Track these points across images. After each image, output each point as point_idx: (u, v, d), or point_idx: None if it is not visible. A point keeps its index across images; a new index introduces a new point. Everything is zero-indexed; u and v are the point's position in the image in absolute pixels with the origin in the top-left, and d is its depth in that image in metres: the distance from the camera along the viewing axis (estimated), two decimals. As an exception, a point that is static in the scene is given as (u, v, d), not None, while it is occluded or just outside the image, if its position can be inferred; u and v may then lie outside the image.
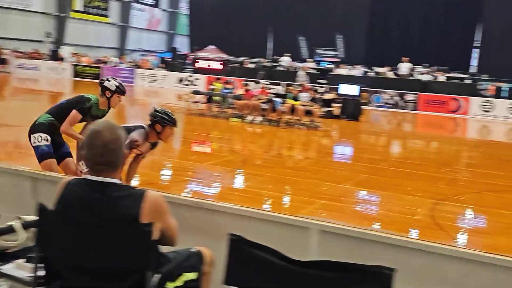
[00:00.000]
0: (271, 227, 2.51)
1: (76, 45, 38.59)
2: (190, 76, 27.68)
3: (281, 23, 37.85)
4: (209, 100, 15.98)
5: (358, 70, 28.03)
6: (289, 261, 1.88)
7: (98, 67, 29.88)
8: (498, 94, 23.44)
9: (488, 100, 22.98)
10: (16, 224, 2.49)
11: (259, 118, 14.46)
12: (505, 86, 25.10)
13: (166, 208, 2.22)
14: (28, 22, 38.15)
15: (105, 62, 31.45)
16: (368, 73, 27.25)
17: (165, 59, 33.68)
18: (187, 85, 27.12)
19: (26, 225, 2.53)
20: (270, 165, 8.83)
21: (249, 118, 14.51)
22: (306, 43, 35.47)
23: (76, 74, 30.34)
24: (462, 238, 5.50)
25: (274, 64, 29.63)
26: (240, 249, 1.86)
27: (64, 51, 33.74)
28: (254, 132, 13.58)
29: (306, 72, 23.16)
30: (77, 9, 41.69)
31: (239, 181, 7.31)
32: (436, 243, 2.18)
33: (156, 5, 50.65)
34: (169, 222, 2.25)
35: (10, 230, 2.48)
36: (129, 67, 30.73)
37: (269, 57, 34.87)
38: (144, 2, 49.03)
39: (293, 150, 11.60)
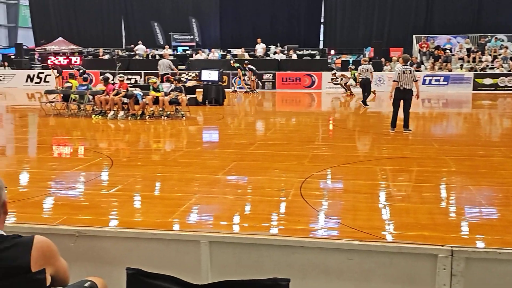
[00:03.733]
0: (159, 245, 2.53)
1: None
2: (40, 73, 25.96)
3: (132, 9, 36.81)
4: (66, 98, 15.16)
5: (216, 54, 28.40)
6: (190, 286, 1.93)
7: None
8: (345, 67, 25.31)
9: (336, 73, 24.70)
10: None
11: (121, 113, 14.09)
12: (349, 58, 27.20)
13: (55, 251, 2.14)
14: None
15: None
16: (226, 56, 27.74)
17: (9, 56, 31.10)
18: (37, 83, 25.42)
19: None
20: (141, 163, 8.70)
21: (111, 114, 14.08)
22: (160, 29, 34.93)
23: None
24: (331, 217, 5.95)
25: (131, 53, 28.89)
26: (139, 282, 1.88)
27: None
28: (118, 128, 13.21)
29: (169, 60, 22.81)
30: None
31: (110, 187, 7.11)
32: (318, 238, 2.38)
33: (-10, -4, 46.31)
34: (59, 264, 2.17)
35: None
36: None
37: (124, 46, 33.85)
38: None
39: (161, 144, 11.52)
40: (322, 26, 34.58)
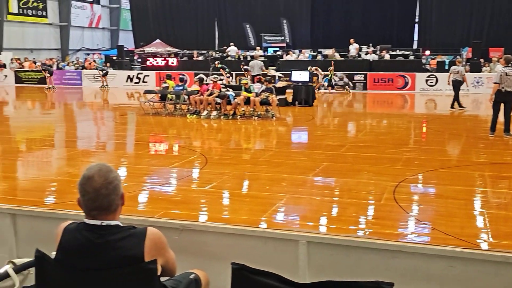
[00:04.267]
0: (257, 243, 2.60)
1: (15, 49, 37.25)
2: (140, 74, 27.29)
3: (225, 12, 37.73)
4: (163, 98, 15.86)
5: (306, 55, 28.35)
6: (293, 284, 1.97)
7: (41, 71, 28.95)
8: (440, 67, 24.29)
9: (432, 74, 23.79)
10: (10, 269, 2.48)
11: (214, 113, 14.49)
12: (445, 59, 26.07)
13: (165, 242, 2.27)
14: (-38, 29, 36.47)
15: (49, 66, 30.48)
16: (317, 57, 27.60)
17: (111, 57, 32.99)
18: (136, 83, 26.75)
19: (19, 269, 2.52)
20: (233, 161, 8.91)
21: (205, 113, 14.53)
22: (252, 30, 35.51)
23: (19, 80, 29.33)
24: (428, 224, 5.76)
25: (223, 55, 29.58)
26: (243, 277, 1.95)
27: (4, 57, 32.48)
28: (211, 127, 13.61)
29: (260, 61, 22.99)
30: (13, 11, 40.12)
31: (205, 184, 7.35)
32: (419, 244, 2.33)
33: (96, 1, 49.35)
34: (169, 256, 2.30)
35: (5, 276, 2.48)
36: (76, 69, 29.93)
37: (217, 48, 34.75)
38: (83, -1, 47.69)
39: (252, 143, 11.72)
40: (416, 25, 33.44)
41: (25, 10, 41.14)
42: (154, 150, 10.97)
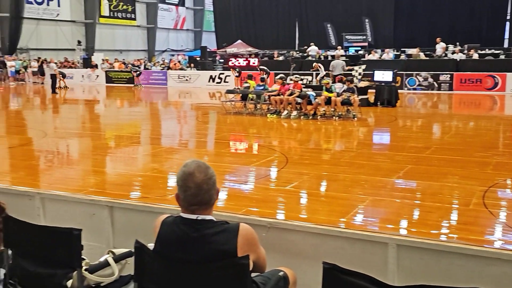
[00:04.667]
0: (345, 243, 2.59)
1: (106, 51, 39.25)
2: (221, 74, 27.85)
3: (306, 11, 37.69)
4: (244, 98, 16.10)
5: (390, 54, 27.67)
6: (386, 287, 1.95)
7: (131, 71, 30.32)
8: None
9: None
10: (110, 258, 2.65)
11: (295, 113, 14.51)
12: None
13: (257, 239, 2.33)
14: (58, 31, 38.95)
15: (137, 66, 31.91)
16: (400, 56, 26.89)
17: (194, 58, 33.95)
18: (218, 83, 27.33)
19: (117, 259, 2.68)
20: (313, 162, 8.89)
21: (285, 113, 14.58)
22: (332, 30, 35.20)
23: (109, 79, 30.89)
24: (518, 227, 5.47)
25: (303, 54, 29.54)
26: (334, 278, 1.95)
27: (96, 57, 34.36)
28: (291, 127, 13.64)
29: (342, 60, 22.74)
30: (105, 14, 42.30)
31: (286, 183, 7.39)
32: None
33: (181, 3, 50.94)
34: (260, 252, 2.36)
35: (105, 264, 2.64)
36: (162, 69, 31.05)
37: (297, 48, 34.75)
38: (169, 1, 49.39)
39: (334, 144, 11.62)
40: (507, 23, 31.67)
41: (115, 13, 43.29)
42: (234, 148, 11.16)
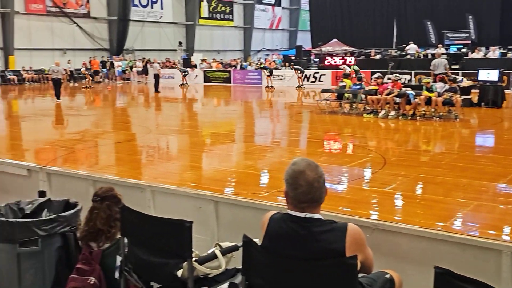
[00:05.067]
0: (454, 248, 2.50)
1: (205, 51, 40.54)
2: (316, 73, 27.75)
3: (405, 9, 36.57)
4: (340, 97, 15.94)
5: (496, 53, 26.13)
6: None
7: (228, 71, 31.08)
8: None
9: None
10: (217, 251, 2.76)
11: (392, 113, 14.14)
12: None
13: (365, 239, 2.32)
14: (161, 33, 40.84)
15: (234, 66, 32.67)
16: (507, 55, 25.31)
17: (289, 57, 34.13)
18: (313, 82, 27.26)
19: (224, 252, 2.79)
20: (413, 164, 8.62)
21: (382, 113, 14.26)
22: (433, 28, 33.85)
23: (207, 79, 31.87)
24: None
25: (402, 53, 28.70)
26: (447, 283, 1.89)
27: (195, 57, 35.59)
28: (389, 127, 13.30)
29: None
30: (204, 16, 43.70)
31: (384, 185, 7.23)
32: None
33: (277, 4, 51.42)
34: (368, 253, 2.35)
35: (213, 257, 2.76)
36: (257, 69, 31.54)
37: (395, 46, 33.83)
38: (266, 2, 50.02)
39: (434, 146, 11.18)
40: None
41: (214, 15, 44.58)
42: (329, 148, 11.09)
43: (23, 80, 32.70)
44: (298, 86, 26.21)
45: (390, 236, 2.66)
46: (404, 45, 30.07)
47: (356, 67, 21.77)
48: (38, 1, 34.46)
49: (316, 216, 2.31)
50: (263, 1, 49.20)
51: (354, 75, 17.21)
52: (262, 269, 2.34)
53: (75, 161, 9.28)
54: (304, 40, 45.25)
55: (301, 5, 52.14)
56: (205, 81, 31.74)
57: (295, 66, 22.85)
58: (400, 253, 2.64)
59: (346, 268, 2.13)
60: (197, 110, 20.55)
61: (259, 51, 48.68)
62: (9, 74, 32.47)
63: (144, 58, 35.51)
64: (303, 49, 34.71)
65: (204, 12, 43.67)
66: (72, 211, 3.73)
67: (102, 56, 36.20)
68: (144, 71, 32.95)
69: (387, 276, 2.42)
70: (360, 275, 2.37)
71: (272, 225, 2.38)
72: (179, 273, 2.72)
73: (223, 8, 45.13)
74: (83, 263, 3.34)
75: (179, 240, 2.65)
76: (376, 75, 15.52)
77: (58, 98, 20.86)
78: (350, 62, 19.66)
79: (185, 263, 2.68)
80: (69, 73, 32.24)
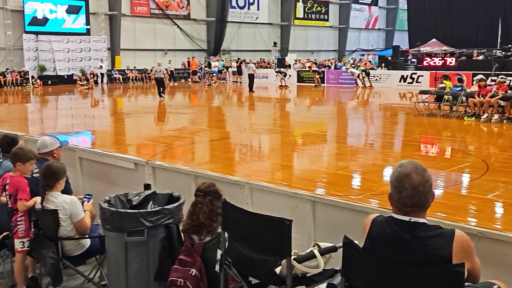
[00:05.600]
0: None
1: (299, 51, 40.66)
2: (413, 74, 26.88)
3: (511, 6, 34.40)
4: (439, 99, 15.33)
5: None
6: None
7: (321, 72, 30.94)
8: None
9: None
10: (316, 251, 2.79)
11: (496, 116, 13.38)
12: None
13: (472, 247, 2.24)
14: (257, 33, 41.52)
15: (328, 66, 32.49)
16: None
17: (385, 57, 33.34)
18: (410, 83, 26.43)
19: (323, 252, 2.81)
20: (519, 171, 8.09)
21: (485, 116, 13.53)
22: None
23: (300, 79, 31.93)
24: None
25: (507, 53, 27.02)
26: None
27: (289, 58, 35.81)
28: (491, 131, 12.60)
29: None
30: (299, 16, 43.85)
31: (487, 192, 6.86)
32: None
33: (374, 3, 50.42)
34: (475, 261, 2.27)
35: (312, 256, 2.79)
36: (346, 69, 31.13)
37: (499, 46, 31.92)
38: (362, 1, 49.22)
39: (542, 152, 10.44)
40: None
41: (309, 15, 44.57)
42: (426, 152, 10.69)
43: (128, 79, 34.65)
44: (281, 86, 28.39)
45: (498, 245, 2.54)
46: (510, 45, 28.28)
47: (362, 67, 21.22)
48: (143, 4, 36.35)
49: (421, 220, 2.26)
50: (360, 1, 48.40)
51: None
52: (363, 271, 2.33)
53: (174, 157, 9.69)
54: (401, 40, 43.95)
55: (399, 4, 50.67)
56: (298, 81, 31.82)
57: (278, 69, 23.44)
58: (509, 264, 2.52)
59: (452, 276, 2.07)
60: (289, 110, 20.65)
61: (354, 51, 47.96)
62: (115, 73, 34.53)
63: (238, 59, 36.25)
64: (400, 49, 33.71)
65: (300, 13, 43.77)
66: (176, 204, 3.92)
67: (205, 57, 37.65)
68: (238, 71, 33.66)
69: (495, 287, 2.32)
70: (466, 284, 2.29)
71: (375, 227, 2.36)
72: (278, 270, 2.77)
73: (318, 8, 44.97)
74: (185, 254, 3.51)
75: (279, 238, 2.71)
76: (478, 77, 14.76)
77: (160, 96, 21.97)
78: (451, 63, 18.83)
79: (284, 260, 2.73)
80: (169, 72, 33.69)
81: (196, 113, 18.36)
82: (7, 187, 4.48)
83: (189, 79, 32.35)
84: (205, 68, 34.58)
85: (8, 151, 5.22)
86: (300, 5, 43.59)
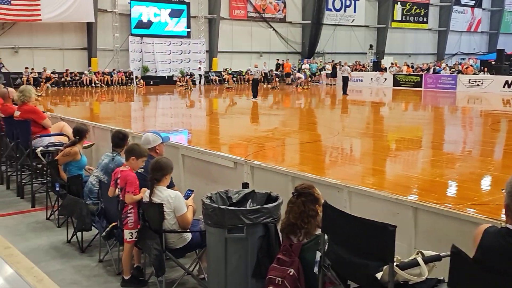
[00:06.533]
0: None
1: (395, 54, 39.65)
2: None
3: None
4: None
5: None
6: None
7: (419, 75, 29.98)
8: None
9: None
10: (419, 259, 2.73)
11: None
12: None
13: None
14: (352, 36, 41.06)
15: (426, 70, 31.44)
16: None
17: (488, 61, 31.61)
18: (516, 89, 24.91)
19: (427, 260, 2.74)
20: None
21: None
22: None
23: (396, 83, 31.11)
24: None
25: None
26: None
27: (386, 61, 35.07)
28: None
29: None
30: (397, 19, 42.79)
31: None
32: None
33: (477, 5, 47.96)
34: None
35: (415, 264, 2.73)
36: (451, 73, 29.92)
37: None
38: (465, 3, 47.03)
39: None
40: None
41: (407, 17, 43.32)
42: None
43: (223, 80, 35.60)
44: (273, 88, 29.65)
45: None
46: None
47: (306, 65, 20.70)
48: (241, 8, 37.18)
49: None
50: (462, 2, 46.23)
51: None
52: (472, 283, 2.25)
53: (266, 157, 9.83)
54: (506, 43, 41.44)
55: (505, 6, 47.78)
56: (394, 85, 31.03)
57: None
58: None
59: None
60: (384, 114, 20.19)
61: (454, 54, 45.90)
62: (212, 75, 35.60)
63: (333, 61, 36.01)
64: (505, 53, 31.77)
65: (398, 15, 42.64)
66: (274, 203, 3.99)
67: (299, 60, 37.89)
68: (332, 74, 33.42)
69: None
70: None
71: (487, 238, 2.27)
72: (379, 275, 2.75)
73: (417, 11, 43.54)
74: (284, 254, 3.56)
75: (382, 243, 2.68)
76: None
77: (255, 97, 22.39)
78: None
79: (386, 266, 2.70)
80: (263, 74, 34.18)
81: (288, 115, 18.48)
82: (118, 180, 4.78)
83: (281, 82, 32.69)
84: (298, 70, 34.77)
85: (120, 146, 5.58)
86: (398, 7, 42.47)
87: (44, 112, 7.90)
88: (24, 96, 7.51)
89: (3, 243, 5.61)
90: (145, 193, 4.57)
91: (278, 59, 37.01)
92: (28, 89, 7.69)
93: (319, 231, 3.46)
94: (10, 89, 8.93)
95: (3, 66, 27.47)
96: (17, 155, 7.81)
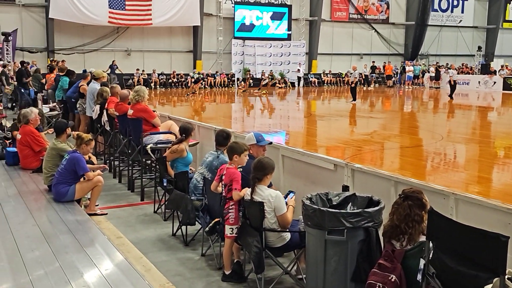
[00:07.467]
0: None
1: (506, 56, 37.30)
2: None
3: None
4: None
5: None
6: None
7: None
8: None
9: None
10: (507, 280, 2.57)
11: None
12: None
13: None
14: (459, 37, 39.16)
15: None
16: None
17: None
18: None
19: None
20: None
21: None
22: None
23: (507, 86, 29.27)
24: None
25: None
26: None
27: (495, 63, 33.10)
28: None
29: None
30: (509, 19, 40.22)
31: None
32: None
33: None
34: None
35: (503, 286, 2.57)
36: None
37: None
38: None
39: None
40: None
41: (521, 17, 40.52)
42: None
43: (322, 82, 35.47)
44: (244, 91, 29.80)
45: None
46: None
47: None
48: (342, 9, 36.83)
49: None
50: None
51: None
52: None
53: (364, 161, 9.68)
54: None
55: None
56: (504, 89, 29.16)
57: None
58: None
59: None
60: (492, 119, 19.08)
61: None
62: (311, 77, 35.59)
63: (437, 63, 34.57)
64: None
65: (510, 15, 40.00)
66: (376, 208, 3.93)
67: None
68: (436, 77, 32.09)
69: None
70: None
71: None
72: (488, 287, 2.63)
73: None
74: (385, 259, 3.50)
75: (493, 254, 2.56)
76: None
77: (354, 99, 22.20)
78: None
79: (497, 279, 2.58)
80: (363, 77, 33.58)
81: (388, 118, 18.04)
82: (223, 177, 4.95)
83: (378, 84, 31.88)
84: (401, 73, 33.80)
85: (223, 144, 5.78)
86: (511, 7, 39.85)
87: (154, 111, 8.34)
88: (138, 95, 7.99)
89: (115, 233, 6.01)
90: (246, 191, 4.69)
91: (373, 61, 36.18)
92: (142, 90, 8.18)
93: (422, 238, 3.36)
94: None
95: (117, 67, 29.33)
96: (129, 151, 8.33)
